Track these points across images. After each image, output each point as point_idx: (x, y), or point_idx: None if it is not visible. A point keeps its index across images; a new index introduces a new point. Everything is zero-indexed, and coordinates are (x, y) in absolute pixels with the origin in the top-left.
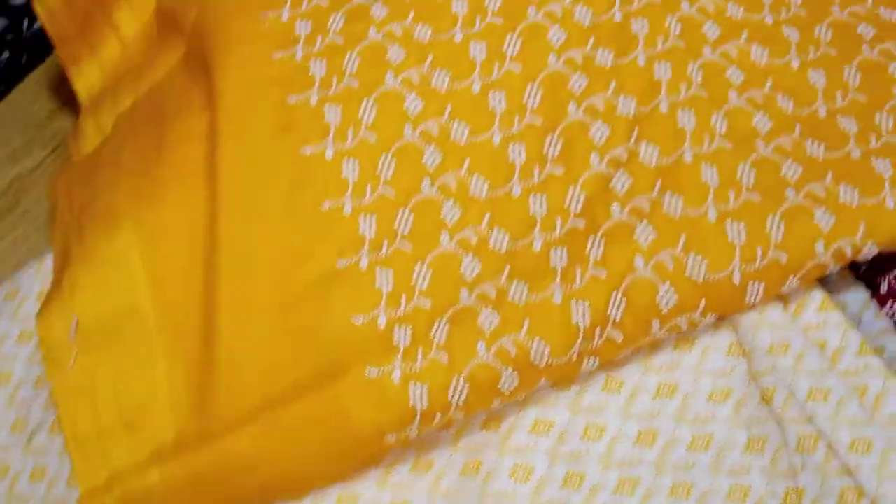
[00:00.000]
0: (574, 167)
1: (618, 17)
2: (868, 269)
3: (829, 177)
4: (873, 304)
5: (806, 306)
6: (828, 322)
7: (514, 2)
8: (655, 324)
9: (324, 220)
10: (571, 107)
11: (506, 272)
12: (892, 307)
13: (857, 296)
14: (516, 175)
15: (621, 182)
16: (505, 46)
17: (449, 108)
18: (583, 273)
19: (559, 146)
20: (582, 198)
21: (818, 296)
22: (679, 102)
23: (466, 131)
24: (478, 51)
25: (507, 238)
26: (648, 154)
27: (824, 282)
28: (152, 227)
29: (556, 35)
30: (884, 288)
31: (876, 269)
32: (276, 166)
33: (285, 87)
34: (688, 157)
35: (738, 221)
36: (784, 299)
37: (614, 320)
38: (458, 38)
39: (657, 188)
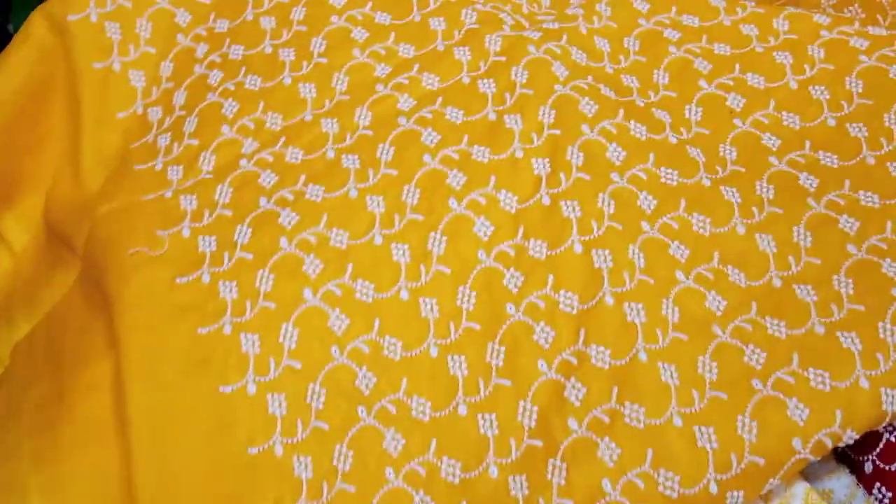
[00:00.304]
0: (522, 377)
1: (546, 201)
2: (849, 447)
3: (795, 360)
4: (861, 491)
5: (790, 503)
6: None
7: (434, 195)
8: None
9: (252, 466)
10: (510, 307)
11: None
12: (880, 490)
13: (842, 481)
14: (460, 391)
15: (575, 391)
16: (429, 245)
17: (377, 322)
18: None
19: (502, 354)
20: (535, 412)
21: (801, 489)
22: (625, 294)
23: (399, 346)
24: (401, 253)
25: (458, 466)
26: (600, 356)
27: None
28: (62, 497)
29: (482, 227)
30: (868, 468)
31: (857, 448)
32: (193, 410)
33: (194, 316)
34: (642, 357)
35: (706, 426)
36: (765, 497)
37: None
38: (378, 240)
39: (614, 396)
